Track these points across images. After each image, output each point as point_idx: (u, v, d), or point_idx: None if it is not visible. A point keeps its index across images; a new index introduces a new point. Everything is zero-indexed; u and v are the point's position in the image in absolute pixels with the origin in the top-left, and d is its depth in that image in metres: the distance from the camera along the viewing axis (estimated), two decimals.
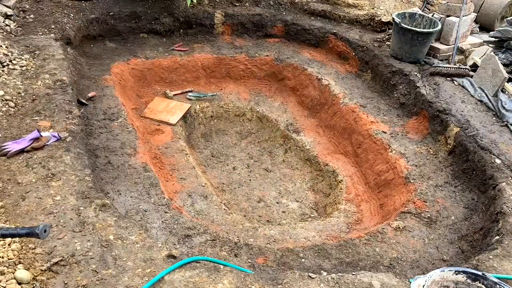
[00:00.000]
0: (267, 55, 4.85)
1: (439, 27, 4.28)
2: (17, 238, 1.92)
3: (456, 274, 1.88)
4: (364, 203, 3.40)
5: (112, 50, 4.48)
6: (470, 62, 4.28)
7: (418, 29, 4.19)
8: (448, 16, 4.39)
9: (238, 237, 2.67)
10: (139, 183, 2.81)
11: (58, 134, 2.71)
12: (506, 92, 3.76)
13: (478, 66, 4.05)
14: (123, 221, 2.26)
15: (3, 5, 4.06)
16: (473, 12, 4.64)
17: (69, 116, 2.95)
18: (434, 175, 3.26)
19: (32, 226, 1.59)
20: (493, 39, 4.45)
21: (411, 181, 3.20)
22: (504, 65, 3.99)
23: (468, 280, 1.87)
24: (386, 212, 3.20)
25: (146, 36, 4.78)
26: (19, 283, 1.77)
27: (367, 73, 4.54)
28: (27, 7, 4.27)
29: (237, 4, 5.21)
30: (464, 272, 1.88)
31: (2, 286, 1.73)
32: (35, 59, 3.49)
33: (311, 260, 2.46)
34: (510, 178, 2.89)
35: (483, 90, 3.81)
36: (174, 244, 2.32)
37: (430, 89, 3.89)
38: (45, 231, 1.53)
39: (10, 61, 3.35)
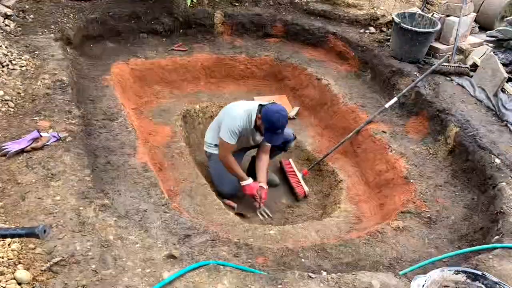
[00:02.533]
0: (267, 55, 4.85)
1: (439, 27, 4.28)
2: (17, 238, 1.92)
3: (456, 274, 1.88)
4: (364, 203, 3.40)
5: (112, 50, 4.47)
6: (469, 62, 4.28)
7: (417, 29, 4.19)
8: (448, 16, 4.39)
9: (238, 237, 2.66)
10: (139, 183, 2.80)
11: (57, 134, 2.71)
12: (506, 92, 3.76)
13: (477, 66, 4.05)
14: (123, 221, 2.26)
15: (3, 5, 4.05)
16: (473, 12, 4.64)
17: (68, 116, 2.95)
18: (434, 175, 3.26)
19: (32, 227, 1.59)
20: (491, 38, 4.45)
21: (411, 181, 3.20)
22: (504, 65, 3.99)
23: (468, 280, 1.87)
24: (386, 212, 3.20)
25: (146, 36, 4.77)
26: (19, 283, 1.77)
27: (367, 73, 4.54)
28: (27, 7, 4.27)
29: (236, 4, 5.21)
30: (464, 272, 1.88)
31: (2, 286, 1.73)
32: (34, 59, 3.49)
33: (311, 260, 2.46)
34: (510, 178, 2.89)
35: (483, 90, 3.81)
36: (174, 244, 2.32)
37: (429, 89, 3.89)
38: (45, 231, 1.53)
39: (10, 61, 3.35)
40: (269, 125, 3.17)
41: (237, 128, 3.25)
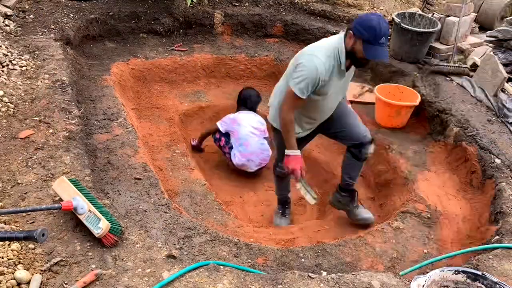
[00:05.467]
0: (266, 55, 4.85)
1: (439, 27, 4.28)
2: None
3: (456, 274, 1.88)
4: (363, 203, 3.40)
5: (111, 50, 4.47)
6: (469, 62, 4.28)
7: (417, 29, 4.19)
8: (448, 16, 4.39)
9: (238, 237, 2.66)
10: (139, 183, 2.80)
11: None
12: (506, 92, 3.75)
13: (477, 66, 4.05)
14: (123, 221, 2.26)
15: (3, 5, 4.05)
16: (473, 12, 4.64)
17: (68, 116, 2.95)
18: (434, 175, 3.25)
19: (30, 230, 1.59)
20: (491, 38, 4.44)
21: (411, 181, 3.19)
22: (504, 65, 3.98)
23: (468, 280, 1.87)
24: (386, 212, 3.20)
25: (146, 36, 4.77)
26: (19, 284, 1.78)
27: (367, 73, 4.54)
28: (27, 7, 4.27)
29: (236, 4, 5.21)
30: (464, 272, 1.88)
31: (2, 287, 1.73)
32: (34, 59, 3.49)
33: (311, 260, 2.46)
34: (510, 178, 2.89)
35: (483, 90, 3.81)
36: (174, 244, 2.32)
37: (430, 89, 3.89)
38: (43, 234, 1.53)
39: (10, 61, 3.35)
40: (369, 32, 2.32)
41: (316, 78, 2.46)
